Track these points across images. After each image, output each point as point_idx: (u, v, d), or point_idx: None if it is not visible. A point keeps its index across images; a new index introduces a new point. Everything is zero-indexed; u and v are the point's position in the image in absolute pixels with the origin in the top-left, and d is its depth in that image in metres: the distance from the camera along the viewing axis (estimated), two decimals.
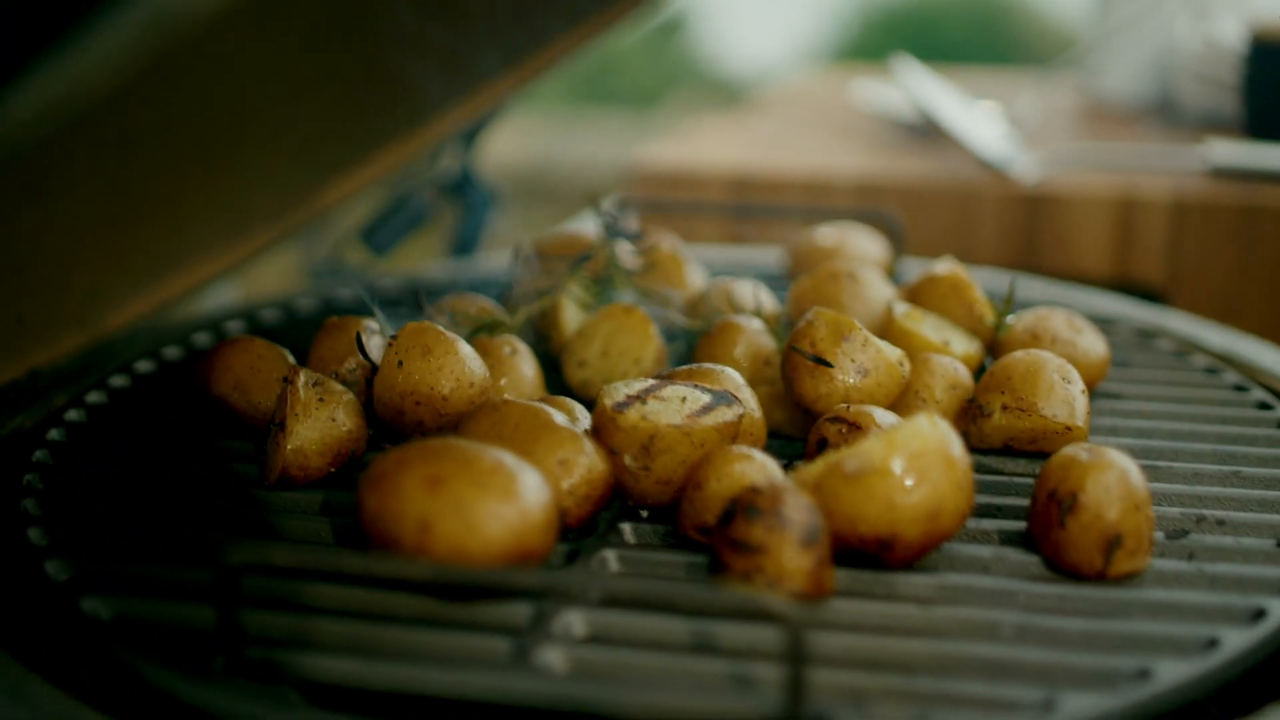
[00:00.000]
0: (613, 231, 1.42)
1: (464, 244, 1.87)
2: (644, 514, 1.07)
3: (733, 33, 6.48)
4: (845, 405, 1.11)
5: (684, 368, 1.16)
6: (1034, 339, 1.31)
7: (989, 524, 1.06)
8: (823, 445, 1.09)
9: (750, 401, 1.14)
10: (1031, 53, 5.64)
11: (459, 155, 1.87)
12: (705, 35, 6.42)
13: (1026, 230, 2.21)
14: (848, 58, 5.73)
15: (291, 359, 1.21)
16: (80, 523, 1.04)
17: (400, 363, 1.13)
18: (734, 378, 1.15)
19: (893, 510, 0.96)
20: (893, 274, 1.58)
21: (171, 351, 1.39)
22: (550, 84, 5.76)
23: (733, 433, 1.06)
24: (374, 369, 1.16)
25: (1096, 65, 2.96)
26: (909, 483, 0.96)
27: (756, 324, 1.28)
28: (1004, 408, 1.18)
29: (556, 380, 1.30)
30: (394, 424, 1.14)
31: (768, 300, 1.40)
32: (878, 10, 6.31)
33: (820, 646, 0.89)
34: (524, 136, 4.86)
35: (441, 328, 1.15)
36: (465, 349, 1.15)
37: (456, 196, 1.87)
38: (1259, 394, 1.34)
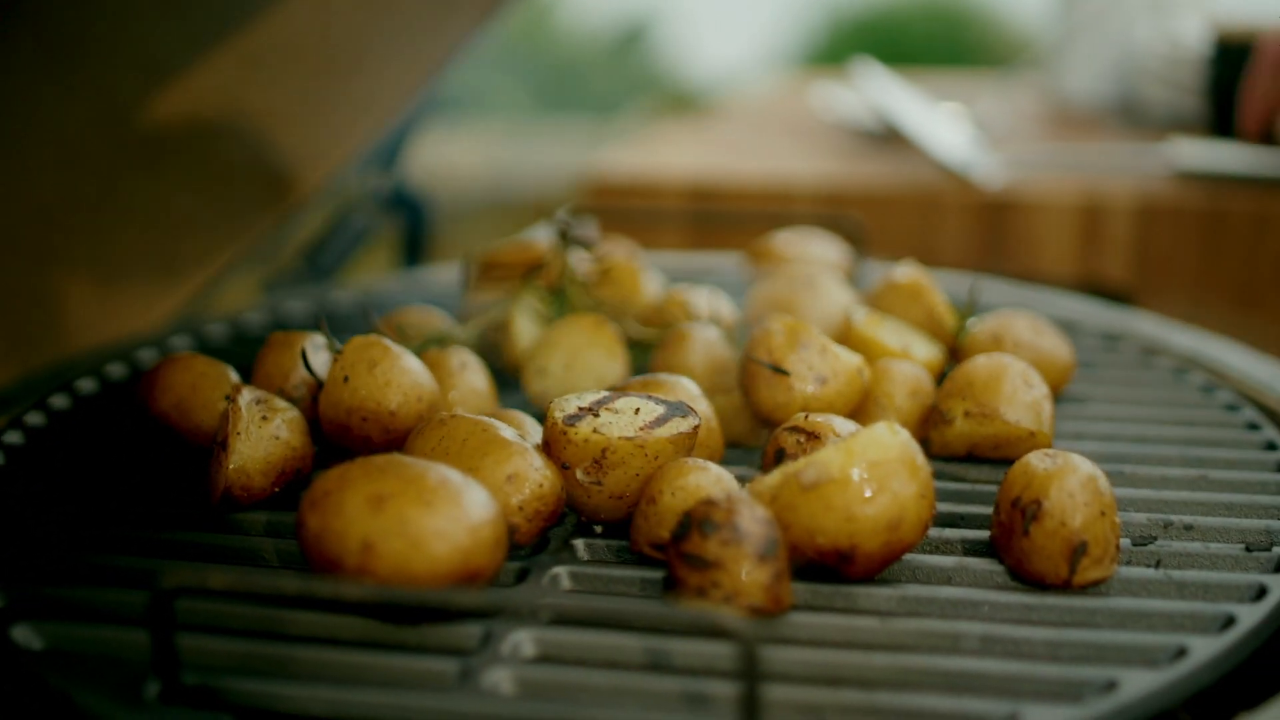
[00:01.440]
0: (567, 240, 1.39)
1: (410, 256, 1.85)
2: (598, 529, 1.04)
3: (698, 41, 6.46)
4: (803, 414, 1.08)
5: (638, 378, 1.14)
6: (996, 343, 1.29)
7: (952, 533, 1.04)
8: (781, 456, 1.06)
9: (707, 412, 1.11)
10: (995, 55, 5.64)
11: (386, 173, 1.85)
12: (669, 43, 6.41)
13: (993, 234, 2.20)
14: (814, 64, 5.72)
15: (235, 376, 1.18)
16: (16, 547, 1.01)
17: (346, 378, 1.10)
18: (689, 388, 1.12)
19: (852, 521, 0.93)
20: (855, 279, 1.56)
21: (115, 369, 1.36)
22: (511, 93, 5.74)
23: (688, 445, 1.03)
24: (319, 385, 1.13)
25: (1059, 67, 2.95)
26: (868, 492, 0.93)
27: (713, 332, 1.25)
28: (966, 414, 1.15)
29: (510, 395, 1.27)
30: (341, 441, 1.11)
31: (725, 308, 1.37)
32: (844, 16, 6.30)
33: (777, 662, 0.87)
34: (485, 146, 4.83)
35: (389, 342, 1.12)
36: (413, 363, 1.12)
37: (396, 210, 1.85)
38: (1226, 395, 1.32)
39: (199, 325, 1.50)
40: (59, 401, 1.27)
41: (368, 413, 1.09)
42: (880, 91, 2.45)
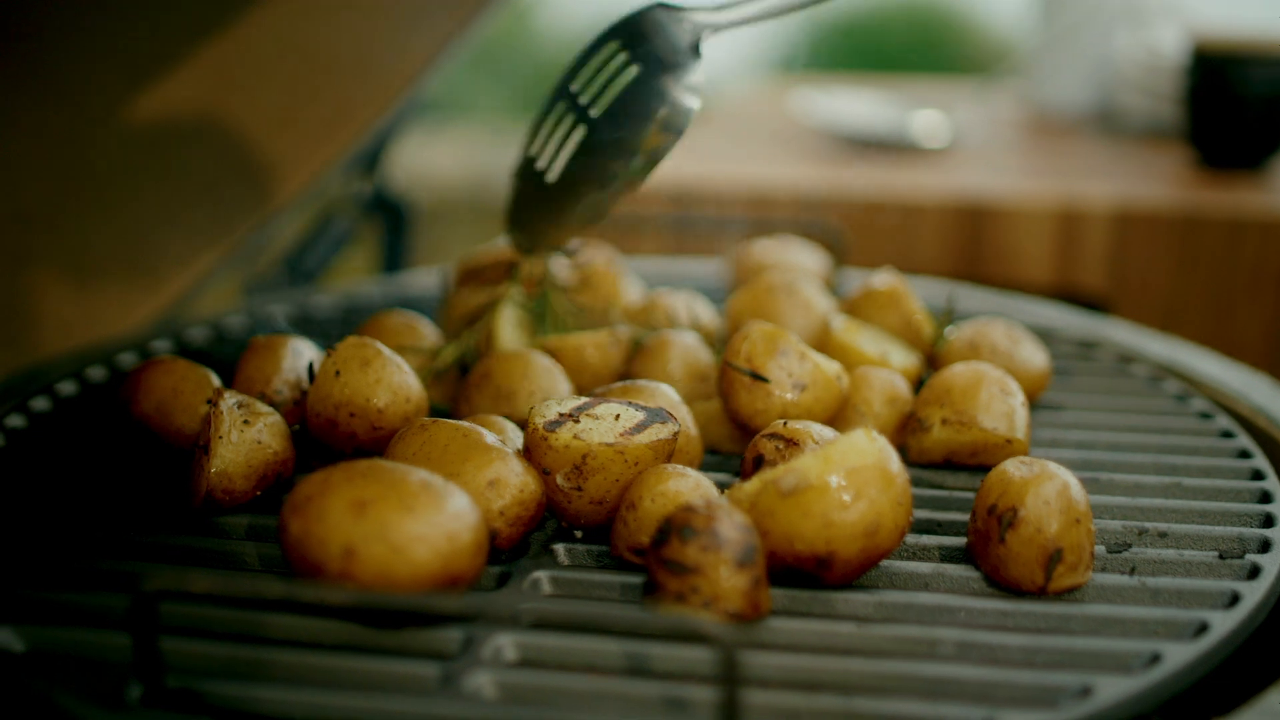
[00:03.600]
0: None
1: (390, 261, 1.86)
2: (579, 534, 1.05)
3: None
4: (782, 421, 1.09)
5: (618, 384, 1.14)
6: (973, 351, 1.30)
7: (929, 540, 1.05)
8: (759, 462, 1.07)
9: (686, 418, 1.12)
10: (975, 63, 5.66)
11: (366, 177, 1.86)
12: None
13: (971, 241, 2.21)
14: (797, 70, 5.73)
15: (217, 380, 1.18)
16: None
17: (338, 372, 1.11)
18: (669, 394, 1.13)
19: (830, 527, 0.94)
20: (834, 286, 1.56)
21: (96, 372, 1.36)
22: (492, 96, 5.73)
23: (668, 451, 1.04)
24: (308, 388, 1.14)
25: (1039, 75, 2.97)
26: (846, 499, 0.94)
27: (693, 338, 1.26)
28: (944, 421, 1.16)
29: None
30: (326, 438, 1.12)
31: (705, 314, 1.38)
32: (825, 23, 6.31)
33: (755, 667, 0.87)
34: (466, 149, 4.82)
35: (381, 345, 1.13)
36: (403, 365, 1.13)
37: (376, 215, 1.86)
38: (1200, 403, 1.33)
39: (180, 328, 1.50)
40: (39, 404, 1.28)
41: (356, 408, 1.10)
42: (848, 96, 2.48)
